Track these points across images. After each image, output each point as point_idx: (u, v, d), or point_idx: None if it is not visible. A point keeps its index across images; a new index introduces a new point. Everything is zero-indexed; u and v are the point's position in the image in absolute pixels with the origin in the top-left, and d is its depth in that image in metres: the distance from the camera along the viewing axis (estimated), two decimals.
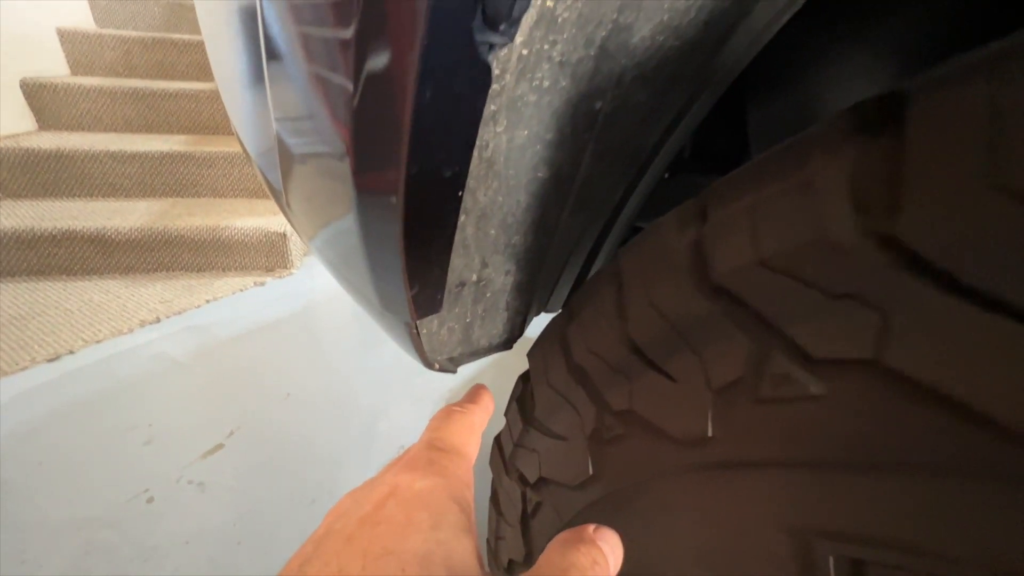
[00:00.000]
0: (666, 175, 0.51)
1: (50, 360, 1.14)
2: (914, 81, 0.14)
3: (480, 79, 0.18)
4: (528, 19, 0.18)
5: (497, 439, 0.43)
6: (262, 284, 1.54)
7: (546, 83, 0.21)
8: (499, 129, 0.22)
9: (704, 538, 0.23)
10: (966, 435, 0.14)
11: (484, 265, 0.29)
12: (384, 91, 0.17)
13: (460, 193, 0.22)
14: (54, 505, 0.82)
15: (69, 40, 1.95)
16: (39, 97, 1.80)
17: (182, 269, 1.57)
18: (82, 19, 2.07)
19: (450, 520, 0.18)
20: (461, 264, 0.28)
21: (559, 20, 0.19)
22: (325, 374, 1.17)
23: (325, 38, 0.19)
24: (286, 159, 0.28)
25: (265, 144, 0.31)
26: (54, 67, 1.94)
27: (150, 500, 0.84)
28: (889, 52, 0.38)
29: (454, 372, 0.36)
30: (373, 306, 0.31)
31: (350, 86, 0.18)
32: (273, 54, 0.23)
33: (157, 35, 2.02)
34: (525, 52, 0.19)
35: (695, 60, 0.25)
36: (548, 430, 0.34)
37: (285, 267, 1.62)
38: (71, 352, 1.17)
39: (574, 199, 0.28)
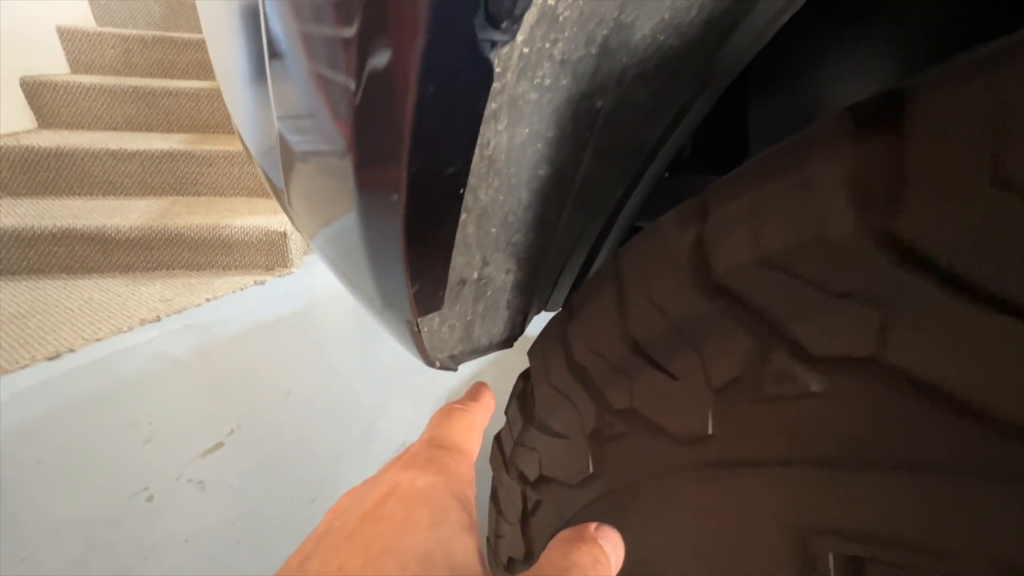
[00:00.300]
0: (666, 174, 0.51)
1: (50, 358, 1.14)
2: (915, 79, 0.14)
3: (482, 77, 0.18)
4: (529, 17, 0.18)
5: (497, 437, 0.43)
6: (262, 283, 1.54)
7: (547, 81, 0.21)
8: (500, 127, 0.22)
9: (704, 536, 0.23)
10: (967, 432, 0.14)
11: (485, 263, 0.29)
12: (386, 88, 0.17)
13: (461, 191, 0.22)
14: (54, 503, 0.82)
15: (69, 38, 1.95)
16: (39, 95, 1.80)
17: (182, 268, 1.57)
18: (82, 17, 2.07)
19: (451, 518, 0.18)
20: (462, 262, 0.28)
21: (560, 18, 0.19)
22: (325, 373, 1.17)
23: (327, 35, 0.19)
24: (288, 157, 0.28)
25: (267, 142, 0.31)
26: (54, 65, 1.94)
27: (150, 498, 0.84)
28: (889, 51, 0.38)
29: (455, 370, 0.36)
30: (374, 304, 0.31)
31: (352, 84, 0.18)
32: (275, 52, 0.23)
33: (157, 33, 2.02)
34: (526, 50, 0.19)
35: (696, 59, 0.25)
36: (548, 428, 0.34)
37: (285, 266, 1.62)
38: (71, 350, 1.17)
39: (575, 197, 0.28)
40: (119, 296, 1.39)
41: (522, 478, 0.39)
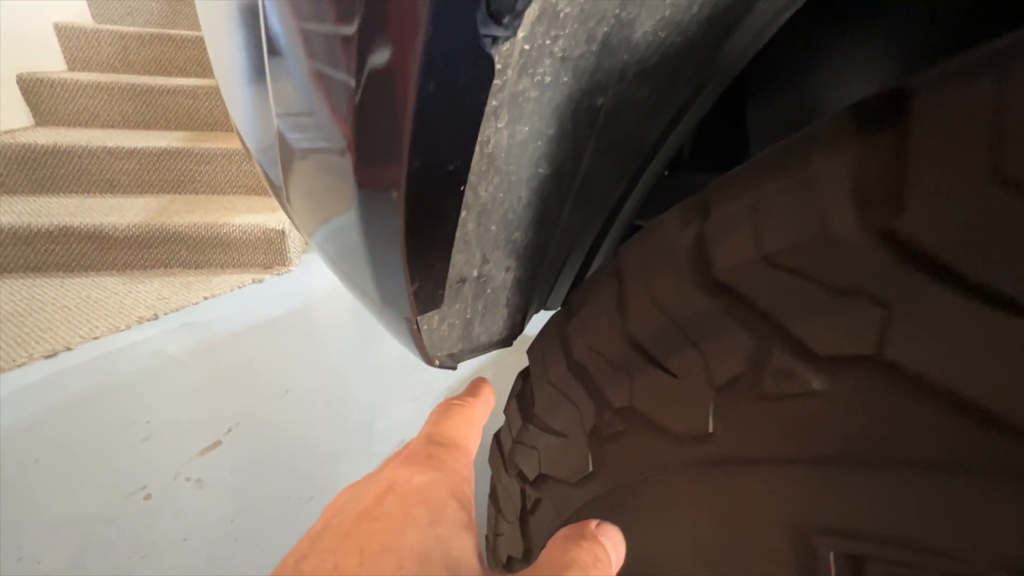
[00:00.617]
0: (666, 173, 0.51)
1: (47, 357, 1.14)
2: (917, 78, 0.14)
3: (483, 73, 0.17)
4: (530, 13, 0.18)
5: (496, 436, 0.43)
6: (260, 281, 1.54)
7: (548, 78, 0.21)
8: (500, 124, 0.22)
9: (704, 535, 0.23)
10: (968, 431, 0.14)
11: (485, 261, 0.29)
12: (386, 85, 0.17)
13: (461, 188, 0.22)
14: (51, 502, 0.82)
15: (66, 35, 1.94)
16: (36, 92, 1.79)
17: (180, 266, 1.56)
18: (79, 14, 2.06)
19: (449, 516, 0.18)
20: (462, 260, 0.28)
21: (561, 15, 0.19)
22: (323, 371, 1.17)
23: (327, 32, 0.18)
24: (287, 155, 0.28)
25: (266, 140, 0.30)
26: (51, 62, 1.93)
27: (148, 497, 0.84)
28: (889, 50, 0.38)
29: (454, 368, 0.36)
30: (373, 302, 0.31)
31: (352, 80, 0.18)
32: (274, 49, 0.23)
33: (155, 31, 2.02)
34: (527, 47, 0.19)
35: (697, 57, 0.25)
36: (548, 427, 0.34)
37: (283, 264, 1.62)
38: (68, 349, 1.17)
39: (575, 195, 0.28)
40: (116, 294, 1.39)
41: (521, 476, 0.39)
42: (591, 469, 0.30)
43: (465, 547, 0.17)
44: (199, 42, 2.01)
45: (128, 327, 1.26)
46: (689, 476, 0.23)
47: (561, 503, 0.34)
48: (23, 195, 1.63)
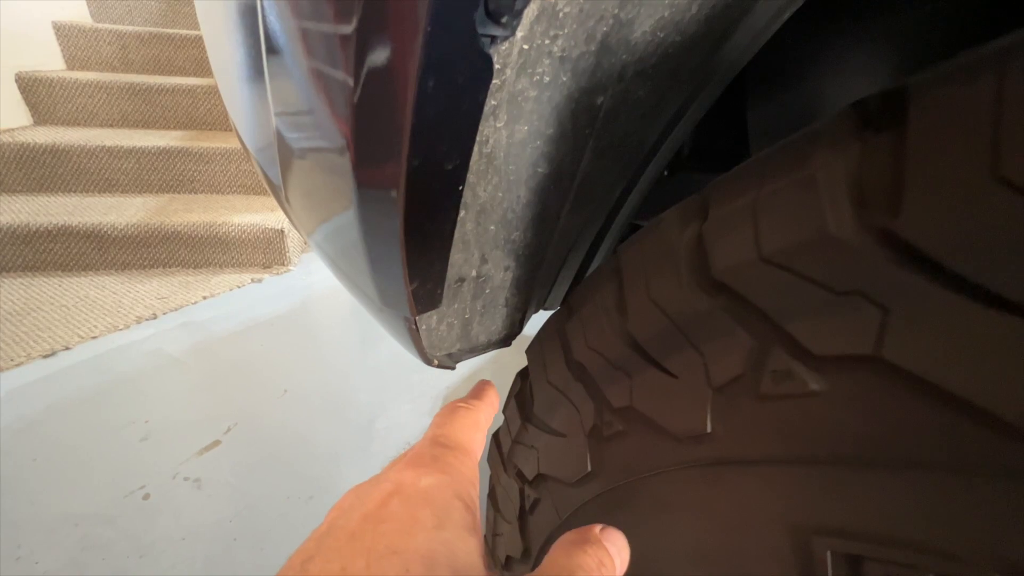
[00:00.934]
0: (665, 172, 0.51)
1: (46, 356, 1.14)
2: (917, 78, 0.14)
3: (482, 72, 0.17)
4: (529, 13, 0.18)
5: (495, 435, 0.43)
6: (259, 281, 1.54)
7: (547, 78, 0.21)
8: (499, 124, 0.22)
9: (703, 534, 0.23)
10: (967, 431, 0.14)
11: (484, 261, 0.29)
12: (385, 84, 0.17)
13: (460, 188, 0.22)
14: (50, 501, 0.82)
15: (65, 34, 1.94)
16: (34, 91, 1.79)
17: (179, 265, 1.56)
18: (78, 13, 2.06)
19: (454, 519, 0.18)
20: (461, 260, 0.28)
21: (560, 14, 0.19)
22: (322, 371, 1.17)
23: (325, 31, 0.18)
24: (285, 154, 0.28)
25: (264, 139, 0.30)
26: (50, 61, 1.92)
27: (146, 496, 0.84)
28: (888, 50, 0.38)
29: (453, 368, 0.36)
30: (372, 302, 0.30)
31: (351, 79, 0.18)
32: (273, 48, 0.23)
33: (154, 30, 2.01)
34: (526, 47, 0.19)
35: (696, 57, 0.25)
36: (547, 426, 0.34)
37: (283, 264, 1.61)
38: (67, 348, 1.16)
39: (574, 195, 0.28)
40: (115, 294, 1.39)
41: (520, 476, 0.39)
42: (590, 469, 0.30)
43: (470, 549, 0.17)
44: (198, 41, 2.00)
45: (127, 326, 1.26)
46: (688, 476, 0.23)
47: (560, 503, 0.34)
48: (22, 194, 1.63)
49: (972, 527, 0.14)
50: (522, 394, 0.38)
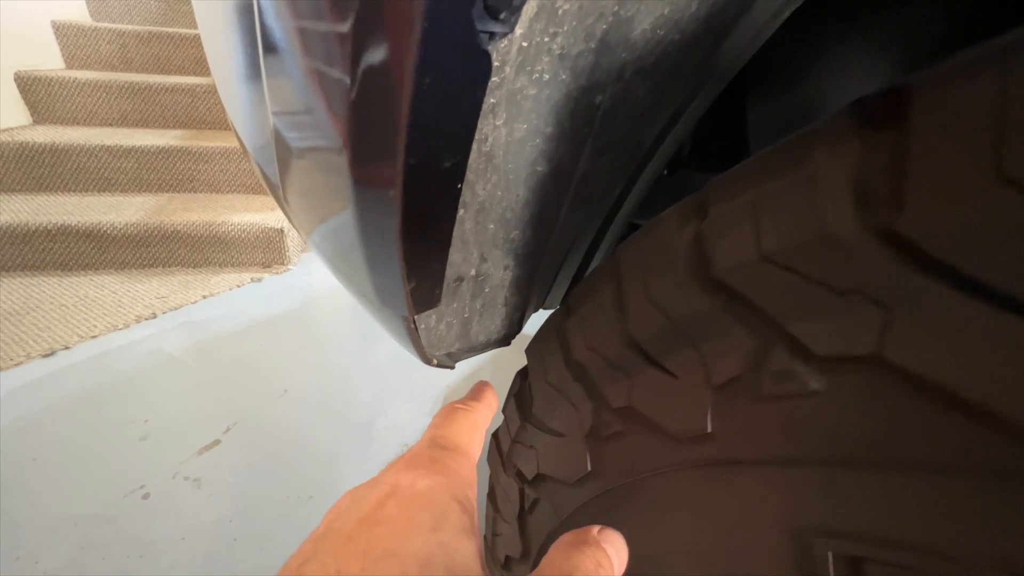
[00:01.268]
0: (665, 172, 0.51)
1: (45, 355, 1.13)
2: (918, 76, 0.14)
3: (480, 69, 0.17)
4: (528, 10, 0.18)
5: (495, 435, 0.43)
6: (259, 280, 1.54)
7: (546, 76, 0.21)
8: (498, 122, 0.22)
9: (703, 535, 0.23)
10: (968, 432, 0.14)
11: (483, 260, 0.29)
12: (382, 82, 0.17)
13: (459, 186, 0.21)
14: (50, 501, 0.82)
15: (64, 33, 1.93)
16: (34, 91, 1.79)
17: (178, 265, 1.56)
18: (77, 12, 2.06)
19: (452, 521, 0.18)
20: (459, 259, 0.28)
21: (560, 12, 0.19)
22: (322, 371, 1.17)
23: (322, 29, 0.18)
24: (283, 153, 0.28)
25: (262, 138, 0.30)
26: (49, 60, 1.92)
27: (146, 496, 0.84)
28: (889, 49, 0.38)
29: (452, 368, 0.36)
30: (371, 301, 0.30)
31: (347, 77, 0.18)
32: (270, 47, 0.23)
33: (153, 29, 2.01)
34: (525, 44, 0.19)
35: (696, 55, 0.25)
36: (546, 426, 0.34)
37: (282, 263, 1.61)
38: (66, 348, 1.16)
39: (573, 194, 0.28)
40: (115, 293, 1.39)
41: (520, 476, 0.39)
42: (589, 469, 0.29)
43: (468, 552, 0.17)
44: (197, 40, 2.00)
45: (126, 326, 1.26)
46: (688, 476, 0.23)
47: (559, 503, 0.34)
48: (21, 193, 1.63)
49: (974, 528, 0.14)
50: (521, 394, 0.38)
